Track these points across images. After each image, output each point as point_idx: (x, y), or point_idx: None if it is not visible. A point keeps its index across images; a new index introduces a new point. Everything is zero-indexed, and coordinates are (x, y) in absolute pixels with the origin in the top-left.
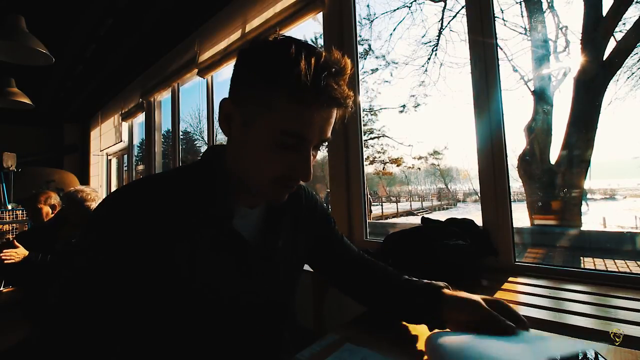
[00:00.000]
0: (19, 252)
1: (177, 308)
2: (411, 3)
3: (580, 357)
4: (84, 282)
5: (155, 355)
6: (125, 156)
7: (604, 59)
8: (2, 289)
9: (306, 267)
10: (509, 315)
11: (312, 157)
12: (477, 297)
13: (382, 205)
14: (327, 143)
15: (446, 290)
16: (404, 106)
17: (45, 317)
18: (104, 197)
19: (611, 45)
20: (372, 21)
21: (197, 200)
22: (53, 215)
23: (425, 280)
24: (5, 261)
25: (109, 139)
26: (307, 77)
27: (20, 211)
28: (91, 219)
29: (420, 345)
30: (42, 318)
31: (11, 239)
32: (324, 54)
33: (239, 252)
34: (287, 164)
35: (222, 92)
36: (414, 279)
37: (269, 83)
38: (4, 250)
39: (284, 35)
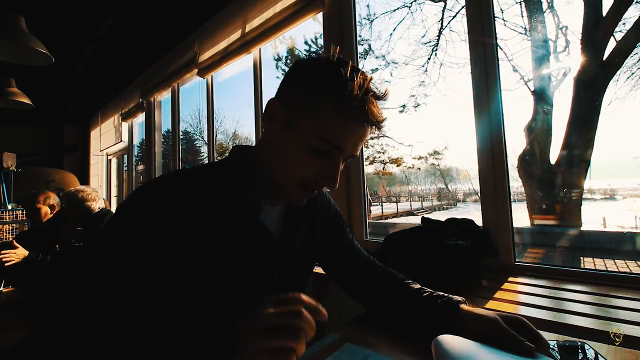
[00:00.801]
0: (19, 253)
1: (191, 302)
2: (411, 3)
3: (580, 357)
4: (107, 273)
5: (162, 349)
6: (125, 156)
7: (604, 59)
8: (2, 289)
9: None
10: (528, 334)
11: (340, 167)
12: (493, 314)
13: (382, 205)
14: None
15: (463, 306)
16: (404, 106)
17: (57, 307)
18: (104, 197)
19: (611, 45)
20: (372, 21)
21: (226, 195)
22: (52, 215)
23: (441, 293)
24: (5, 262)
25: (109, 139)
26: (357, 95)
27: (20, 211)
28: (119, 214)
29: (420, 345)
30: (52, 308)
31: (11, 239)
32: (369, 77)
33: (263, 246)
34: (317, 169)
35: (222, 92)
36: (428, 290)
37: (321, 92)
38: (3, 251)
39: (341, 57)
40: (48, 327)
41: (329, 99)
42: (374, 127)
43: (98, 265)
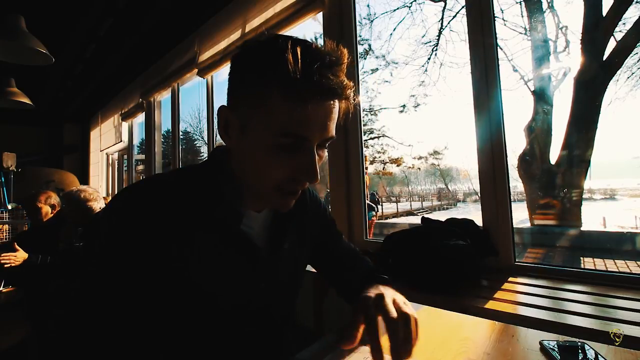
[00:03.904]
0: (19, 256)
1: (181, 311)
2: (411, 3)
3: (580, 357)
4: (93, 286)
5: (158, 357)
6: (125, 156)
7: (604, 59)
8: (2, 289)
9: (308, 267)
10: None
11: (316, 156)
12: (367, 305)
13: (382, 205)
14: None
15: (369, 286)
16: (404, 106)
17: (55, 319)
18: (104, 196)
19: (611, 45)
20: (372, 21)
21: (205, 202)
22: (52, 215)
23: (381, 275)
24: (5, 265)
25: (109, 139)
26: (297, 69)
27: (20, 211)
28: (100, 222)
29: (420, 345)
30: (50, 319)
31: (11, 240)
32: (314, 45)
33: (246, 255)
34: (290, 166)
35: (222, 92)
36: (375, 272)
37: (260, 81)
38: (3, 254)
39: (273, 33)
40: (53, 333)
41: (270, 84)
42: (337, 99)
43: (93, 272)
